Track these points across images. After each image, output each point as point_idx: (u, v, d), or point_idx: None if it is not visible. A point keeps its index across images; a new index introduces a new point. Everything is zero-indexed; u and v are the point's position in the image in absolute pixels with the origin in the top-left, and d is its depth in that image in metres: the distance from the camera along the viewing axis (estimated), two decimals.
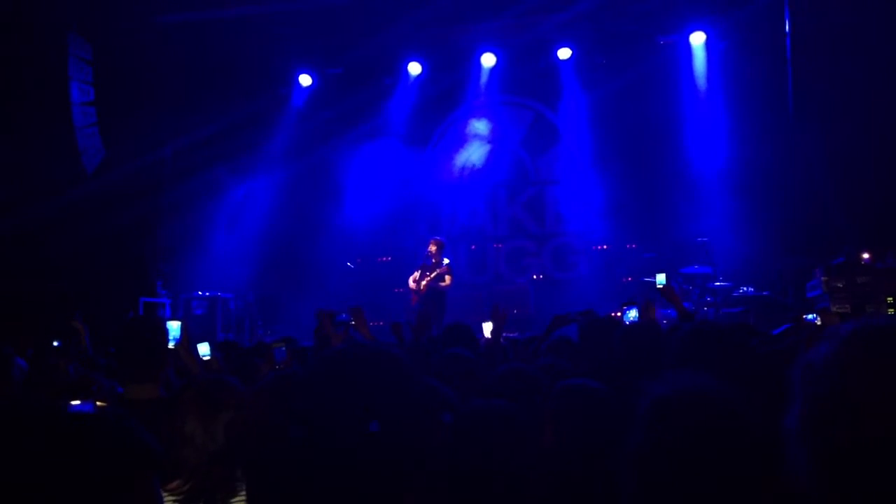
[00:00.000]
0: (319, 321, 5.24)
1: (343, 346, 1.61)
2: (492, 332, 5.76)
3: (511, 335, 7.68)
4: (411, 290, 11.71)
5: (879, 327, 1.13)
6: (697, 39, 12.94)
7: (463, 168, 14.57)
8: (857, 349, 1.11)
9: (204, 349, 4.72)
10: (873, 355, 1.09)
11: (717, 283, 10.88)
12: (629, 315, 5.39)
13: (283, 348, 4.31)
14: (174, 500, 2.41)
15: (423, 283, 11.48)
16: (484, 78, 14.09)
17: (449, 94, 14.35)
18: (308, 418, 1.55)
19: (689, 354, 2.55)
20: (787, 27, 11.85)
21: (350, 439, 1.50)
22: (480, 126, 14.48)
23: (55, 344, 5.87)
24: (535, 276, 13.96)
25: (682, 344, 2.66)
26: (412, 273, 11.77)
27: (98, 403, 1.83)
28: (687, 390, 1.72)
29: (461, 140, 14.65)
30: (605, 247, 13.49)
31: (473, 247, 14.40)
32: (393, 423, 1.52)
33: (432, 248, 11.60)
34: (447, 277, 11.46)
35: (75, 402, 1.87)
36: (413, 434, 1.57)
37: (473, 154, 14.56)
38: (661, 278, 5.75)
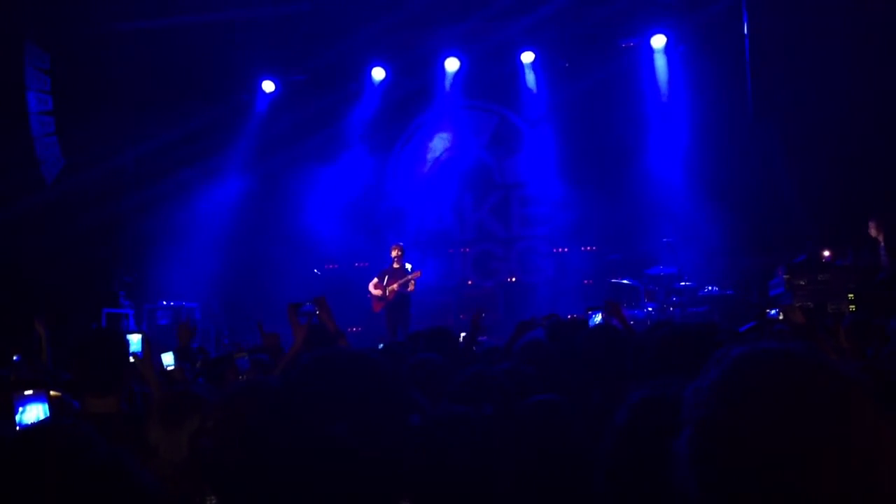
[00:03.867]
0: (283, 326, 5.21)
1: (323, 352, 1.59)
2: (465, 338, 5.77)
3: (481, 339, 7.69)
4: (374, 296, 11.68)
5: (765, 354, 1.10)
6: (658, 42, 13.08)
7: (429, 172, 14.56)
8: (740, 375, 1.09)
9: (168, 359, 4.66)
10: (755, 383, 1.07)
11: (682, 283, 10.99)
12: (594, 320, 5.42)
13: (246, 358, 4.28)
14: None
15: (392, 287, 11.46)
16: (448, 82, 14.10)
17: (413, 99, 14.35)
18: (288, 426, 1.53)
19: (665, 356, 2.57)
20: (745, 29, 12.02)
21: (331, 447, 1.49)
22: (442, 138, 14.52)
23: (15, 359, 5.75)
24: (508, 280, 13.98)
25: (657, 346, 2.68)
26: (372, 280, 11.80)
27: (52, 393, 1.78)
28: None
29: (426, 146, 14.65)
30: (564, 249, 13.60)
31: (451, 250, 14.41)
32: (373, 430, 1.51)
33: (395, 252, 11.63)
34: (412, 283, 11.50)
35: (28, 392, 1.81)
36: (393, 442, 1.56)
37: (437, 155, 14.60)
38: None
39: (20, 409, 1.77)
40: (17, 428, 1.76)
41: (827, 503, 0.99)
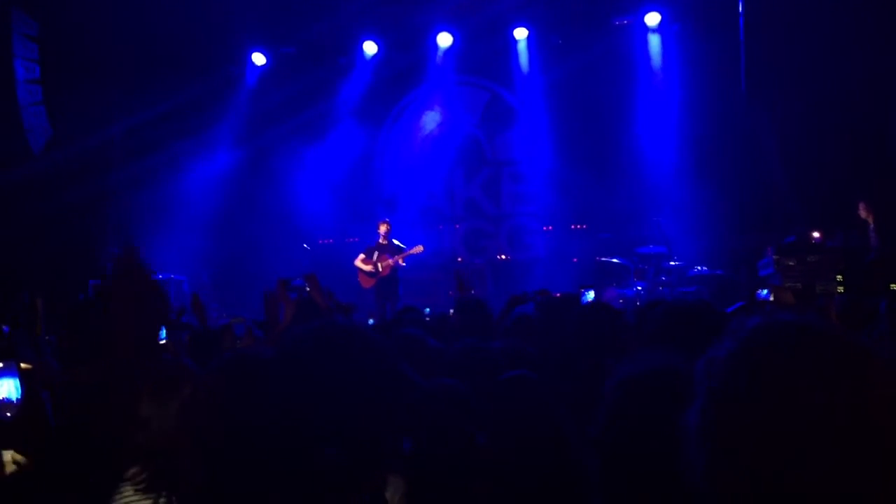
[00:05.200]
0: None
1: (317, 325, 1.57)
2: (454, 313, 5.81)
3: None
4: (365, 272, 11.64)
5: (782, 324, 1.10)
6: (652, 20, 13.01)
7: (420, 148, 14.51)
8: (757, 345, 1.08)
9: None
10: (774, 353, 1.06)
11: (672, 263, 11.00)
12: (587, 297, 5.43)
13: (242, 324, 4.26)
14: (135, 489, 2.34)
15: (387, 263, 11.43)
16: (440, 58, 14.00)
17: (405, 74, 14.24)
18: (279, 399, 1.51)
19: (664, 332, 2.56)
20: (740, 8, 11.97)
21: (326, 421, 1.47)
22: (434, 114, 14.46)
23: (5, 329, 5.69)
24: (499, 257, 13.99)
25: (657, 322, 2.67)
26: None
27: (23, 366, 1.74)
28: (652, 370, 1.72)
29: (417, 122, 14.59)
30: (550, 228, 13.63)
31: (441, 227, 14.39)
32: (369, 402, 1.50)
33: (383, 228, 11.61)
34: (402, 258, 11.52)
35: None
36: (388, 415, 1.55)
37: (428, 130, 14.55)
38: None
39: None
40: None
41: (844, 473, 0.98)
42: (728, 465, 1.05)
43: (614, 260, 11.49)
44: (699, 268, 10.99)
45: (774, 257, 9.71)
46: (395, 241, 11.68)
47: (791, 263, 9.54)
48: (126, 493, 2.31)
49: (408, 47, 13.98)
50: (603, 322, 3.68)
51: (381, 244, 11.61)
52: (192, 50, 13.07)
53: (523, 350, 3.48)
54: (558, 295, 7.29)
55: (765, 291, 5.47)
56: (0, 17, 10.93)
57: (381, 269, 11.47)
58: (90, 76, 11.94)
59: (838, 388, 1.01)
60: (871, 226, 9.57)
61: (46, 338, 4.81)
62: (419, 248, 11.53)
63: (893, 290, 7.74)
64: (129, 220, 13.03)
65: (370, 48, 13.96)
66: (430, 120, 14.51)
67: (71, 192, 11.25)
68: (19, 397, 1.74)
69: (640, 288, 10.96)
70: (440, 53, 13.98)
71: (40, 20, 11.52)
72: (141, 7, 12.17)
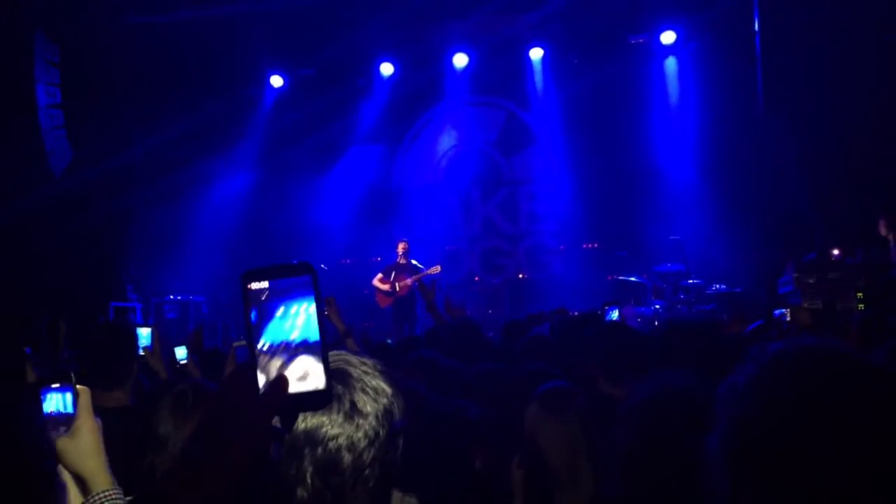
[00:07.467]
0: None
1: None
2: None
3: (488, 335, 7.70)
4: (382, 291, 11.65)
5: (805, 350, 1.09)
6: (668, 38, 13.02)
7: (436, 168, 14.57)
8: (780, 372, 1.07)
9: (181, 353, 4.66)
10: (796, 379, 1.05)
11: (690, 281, 10.93)
12: (612, 315, 5.38)
13: (246, 347, 4.25)
14: None
15: (405, 283, 11.43)
16: (456, 78, 14.08)
17: (421, 95, 14.33)
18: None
19: (671, 351, 2.55)
20: (756, 26, 11.96)
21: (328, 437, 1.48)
22: (451, 134, 14.54)
23: (27, 350, 5.74)
24: (517, 276, 13.96)
25: (662, 341, 2.66)
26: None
27: (78, 387, 1.75)
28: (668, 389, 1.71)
29: (434, 141, 14.65)
30: (563, 247, 13.61)
31: (457, 246, 14.39)
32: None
33: (402, 248, 11.62)
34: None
35: (55, 385, 1.79)
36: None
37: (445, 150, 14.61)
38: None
39: (45, 397, 1.78)
40: (45, 416, 1.76)
41: (872, 501, 0.97)
42: (752, 493, 1.04)
43: (632, 278, 11.44)
44: (718, 286, 10.91)
45: (794, 275, 9.62)
46: (414, 262, 11.69)
47: (811, 281, 9.44)
48: None
49: (424, 68, 14.07)
50: (626, 340, 3.65)
51: (400, 264, 11.62)
52: (210, 72, 13.21)
53: (546, 372, 3.46)
54: (575, 313, 7.28)
55: (780, 310, 5.41)
56: (23, 41, 11.09)
57: (398, 290, 11.47)
58: (111, 99, 12.11)
59: (862, 415, 1.00)
60: (892, 242, 9.47)
61: (66, 359, 4.84)
62: (436, 269, 11.51)
63: None
64: (148, 242, 13.13)
65: (387, 69, 14.06)
66: (448, 139, 14.58)
67: (92, 215, 11.36)
68: (70, 413, 1.76)
69: (658, 306, 10.90)
70: (456, 74, 14.05)
71: (62, 45, 11.68)
72: (161, 31, 12.34)
